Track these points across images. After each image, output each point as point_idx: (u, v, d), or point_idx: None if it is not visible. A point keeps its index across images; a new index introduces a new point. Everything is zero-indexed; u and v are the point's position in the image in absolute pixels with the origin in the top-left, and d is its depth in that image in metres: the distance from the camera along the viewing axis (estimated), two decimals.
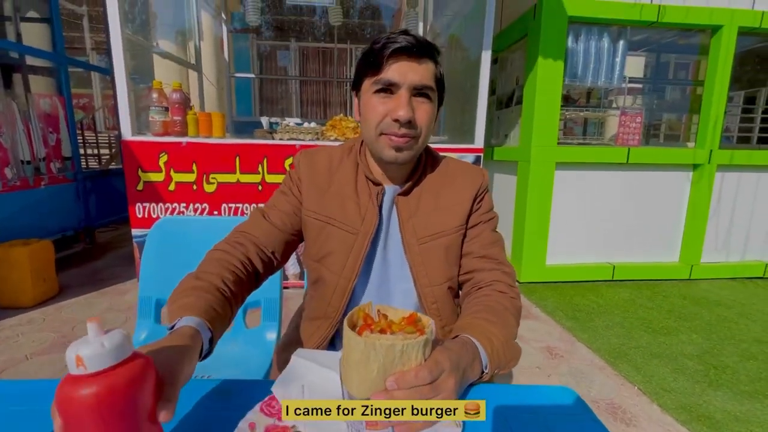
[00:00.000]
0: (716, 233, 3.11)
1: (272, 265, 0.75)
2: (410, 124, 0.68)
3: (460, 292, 0.79)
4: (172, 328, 0.50)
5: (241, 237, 0.73)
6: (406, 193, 0.76)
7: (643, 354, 1.95)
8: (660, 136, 3.87)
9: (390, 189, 0.76)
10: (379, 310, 0.49)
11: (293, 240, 0.78)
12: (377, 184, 0.75)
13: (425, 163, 0.79)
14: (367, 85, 0.71)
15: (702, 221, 3.01)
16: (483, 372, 0.56)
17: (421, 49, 0.67)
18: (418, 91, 0.68)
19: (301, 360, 0.55)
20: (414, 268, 0.74)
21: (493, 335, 0.59)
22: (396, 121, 0.67)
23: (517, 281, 2.79)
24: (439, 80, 0.72)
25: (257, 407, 0.48)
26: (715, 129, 2.89)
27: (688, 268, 3.06)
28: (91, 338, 0.32)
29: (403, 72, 0.67)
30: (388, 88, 0.68)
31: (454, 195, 0.77)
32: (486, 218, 0.78)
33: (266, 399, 0.49)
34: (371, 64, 0.68)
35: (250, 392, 0.51)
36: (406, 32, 0.68)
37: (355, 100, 0.76)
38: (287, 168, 2.43)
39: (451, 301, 0.79)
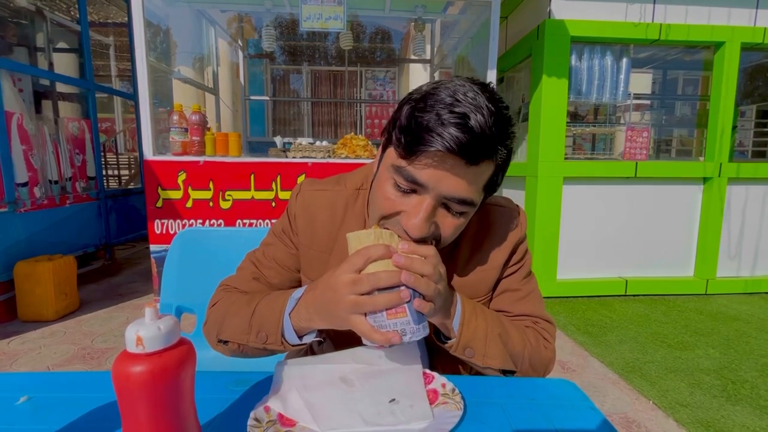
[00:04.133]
0: (731, 247, 3.05)
1: None
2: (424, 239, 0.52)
3: None
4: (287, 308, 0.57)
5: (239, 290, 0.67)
6: None
7: (658, 368, 1.92)
8: (672, 151, 3.86)
9: None
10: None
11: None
12: None
13: None
14: (389, 158, 0.52)
15: (715, 235, 2.97)
16: (450, 339, 0.56)
17: (479, 152, 0.46)
18: (450, 202, 0.51)
19: (287, 368, 0.53)
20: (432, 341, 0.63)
21: (481, 317, 0.57)
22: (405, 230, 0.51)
23: None
24: (493, 180, 0.53)
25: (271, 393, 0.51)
26: (723, 142, 2.90)
27: (703, 282, 3.00)
28: (148, 321, 0.36)
29: (437, 178, 0.48)
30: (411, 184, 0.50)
31: (487, 257, 0.64)
32: (518, 267, 0.66)
33: None
34: (402, 141, 0.49)
35: (265, 382, 0.55)
36: (465, 117, 0.44)
37: (380, 148, 0.58)
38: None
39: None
